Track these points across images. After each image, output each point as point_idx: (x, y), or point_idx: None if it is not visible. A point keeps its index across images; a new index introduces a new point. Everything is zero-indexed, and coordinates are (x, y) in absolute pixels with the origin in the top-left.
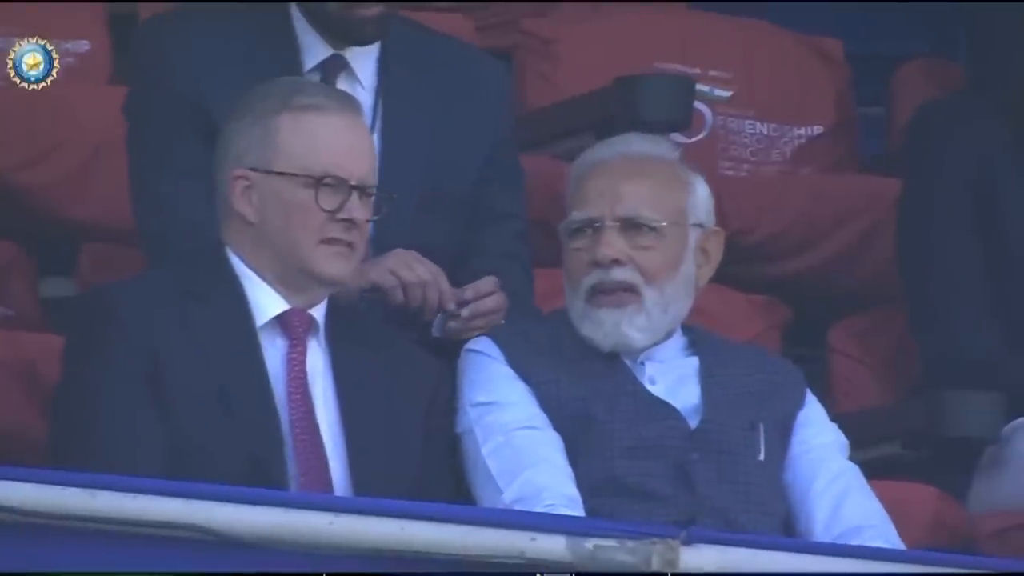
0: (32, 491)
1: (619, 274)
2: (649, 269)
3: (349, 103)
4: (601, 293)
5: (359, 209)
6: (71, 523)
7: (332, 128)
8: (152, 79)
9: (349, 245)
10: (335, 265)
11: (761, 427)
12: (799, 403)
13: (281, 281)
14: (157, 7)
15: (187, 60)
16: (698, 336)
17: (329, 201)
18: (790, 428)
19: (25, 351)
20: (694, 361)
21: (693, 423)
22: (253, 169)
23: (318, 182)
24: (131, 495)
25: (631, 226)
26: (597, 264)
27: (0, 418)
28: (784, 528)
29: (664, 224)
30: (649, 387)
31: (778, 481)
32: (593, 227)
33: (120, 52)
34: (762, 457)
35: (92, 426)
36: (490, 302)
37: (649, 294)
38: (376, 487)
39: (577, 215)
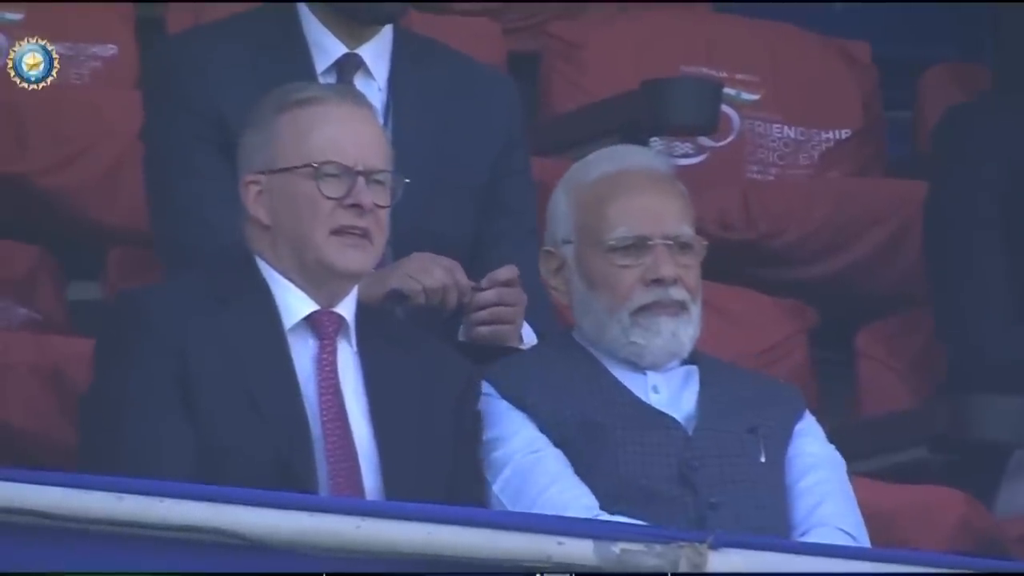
0: (58, 494)
1: (675, 293)
2: (692, 286)
3: (348, 93)
4: (656, 308)
5: (367, 194)
6: (97, 527)
7: (329, 117)
8: (167, 98)
9: (363, 235)
10: (349, 256)
11: (760, 432)
12: (798, 414)
13: (303, 279)
14: (183, 9)
15: (199, 75)
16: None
17: (333, 188)
18: (789, 435)
19: (52, 354)
20: (693, 370)
21: (691, 430)
22: (260, 172)
23: (318, 170)
24: (157, 499)
25: (680, 245)
26: (658, 282)
27: (27, 421)
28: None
29: (703, 243)
30: (652, 395)
31: (782, 483)
32: (646, 244)
33: (147, 56)
34: (763, 459)
35: (121, 429)
36: (490, 295)
37: (694, 309)
38: (407, 488)
39: (624, 231)
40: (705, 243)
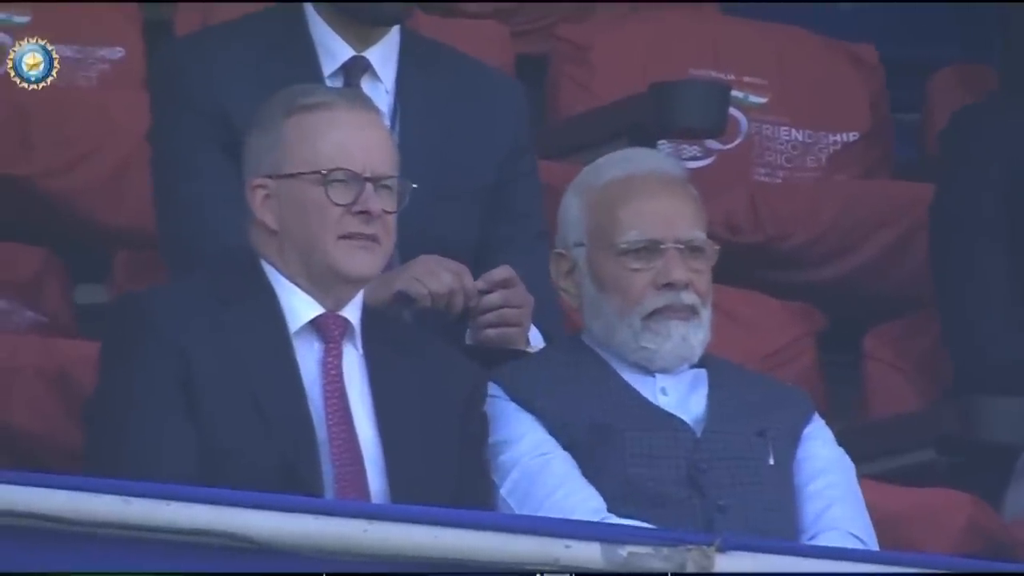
0: (65, 498)
1: (687, 297)
2: (703, 291)
3: (357, 98)
4: (667, 312)
5: (375, 201)
6: (104, 530)
7: (338, 123)
8: (173, 99)
9: (371, 239)
10: (357, 260)
11: (768, 435)
12: (806, 418)
13: (311, 283)
14: (192, 10)
15: (206, 76)
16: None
17: (342, 195)
18: (797, 439)
19: (58, 358)
20: (702, 373)
21: (699, 432)
22: (268, 176)
23: (326, 177)
24: (164, 502)
25: (691, 249)
26: (669, 287)
27: (33, 424)
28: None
29: (715, 248)
30: (661, 397)
31: (791, 486)
32: (657, 248)
33: (154, 58)
34: (772, 462)
35: (124, 432)
36: (495, 297)
37: (704, 314)
38: (413, 492)
39: (636, 235)
40: (717, 247)
